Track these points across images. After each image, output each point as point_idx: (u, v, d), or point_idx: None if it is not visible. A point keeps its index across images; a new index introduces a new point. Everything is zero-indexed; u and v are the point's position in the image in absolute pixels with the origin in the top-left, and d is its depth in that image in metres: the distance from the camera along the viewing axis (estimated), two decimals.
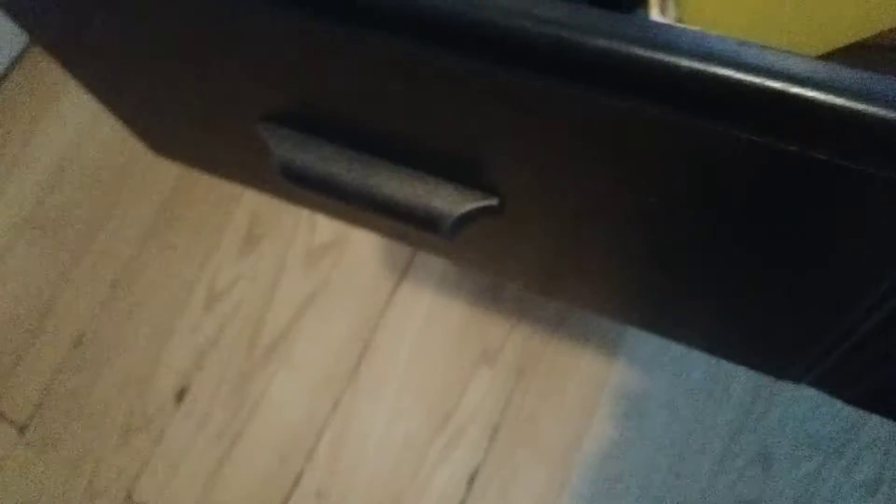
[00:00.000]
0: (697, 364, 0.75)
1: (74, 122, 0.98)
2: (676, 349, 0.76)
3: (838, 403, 0.61)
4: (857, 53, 0.24)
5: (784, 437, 0.71)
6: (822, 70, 0.18)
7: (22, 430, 0.82)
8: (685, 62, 0.18)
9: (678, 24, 0.24)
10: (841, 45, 0.24)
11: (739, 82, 0.18)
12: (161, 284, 0.87)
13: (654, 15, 0.24)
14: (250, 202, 0.89)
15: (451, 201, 0.27)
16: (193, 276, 0.87)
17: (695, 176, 0.21)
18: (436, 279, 0.83)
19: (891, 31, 0.23)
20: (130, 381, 0.83)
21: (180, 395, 0.82)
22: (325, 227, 0.87)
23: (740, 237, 0.25)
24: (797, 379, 0.32)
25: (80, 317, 0.87)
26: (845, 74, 0.17)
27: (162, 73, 0.31)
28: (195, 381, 0.82)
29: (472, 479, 0.75)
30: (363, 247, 0.86)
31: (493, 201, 0.27)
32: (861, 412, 0.70)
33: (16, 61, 1.04)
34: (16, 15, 0.31)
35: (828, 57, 0.24)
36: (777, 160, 0.20)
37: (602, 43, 0.19)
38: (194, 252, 0.88)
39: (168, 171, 0.93)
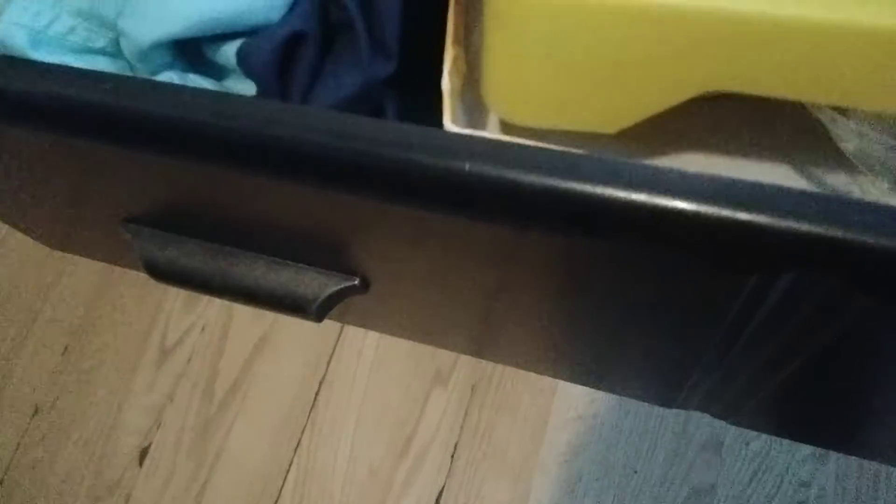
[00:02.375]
0: None
1: None
2: None
3: None
4: (666, 114, 0.25)
5: (729, 427, 0.73)
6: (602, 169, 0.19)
7: None
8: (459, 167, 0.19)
9: (466, 133, 0.25)
10: (640, 119, 0.25)
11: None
12: (112, 346, 0.88)
13: (447, 123, 0.25)
14: None
15: (314, 286, 0.28)
16: (144, 333, 0.87)
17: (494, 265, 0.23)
18: None
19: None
20: (91, 447, 0.83)
21: (142, 455, 0.82)
22: None
23: (594, 306, 0.26)
24: (684, 407, 0.34)
25: (34, 389, 0.87)
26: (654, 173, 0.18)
27: (31, 190, 0.31)
28: (156, 439, 0.82)
29: (438, 501, 0.76)
30: None
31: (354, 281, 0.28)
32: None
33: None
34: None
35: (634, 127, 0.26)
36: (576, 248, 0.21)
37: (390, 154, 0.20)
38: (142, 309, 0.89)
39: None
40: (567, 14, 0.22)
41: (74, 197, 0.31)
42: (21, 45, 0.26)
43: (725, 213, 0.18)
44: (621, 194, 0.19)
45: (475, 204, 0.20)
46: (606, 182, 0.19)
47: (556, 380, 0.78)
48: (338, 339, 0.83)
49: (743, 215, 0.18)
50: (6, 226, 0.96)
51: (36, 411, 0.86)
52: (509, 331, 0.33)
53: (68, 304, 0.90)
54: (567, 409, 0.77)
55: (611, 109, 0.25)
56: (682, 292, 0.22)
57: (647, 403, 0.74)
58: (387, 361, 0.82)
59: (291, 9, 0.28)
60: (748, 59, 0.22)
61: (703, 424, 0.73)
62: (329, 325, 0.84)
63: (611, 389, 0.37)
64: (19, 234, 0.95)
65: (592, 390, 0.76)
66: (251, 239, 0.29)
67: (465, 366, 0.80)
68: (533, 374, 0.78)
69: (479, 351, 0.39)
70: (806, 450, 0.71)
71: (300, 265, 0.29)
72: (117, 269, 0.91)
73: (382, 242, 0.26)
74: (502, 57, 0.24)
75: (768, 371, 0.27)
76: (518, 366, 0.38)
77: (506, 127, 0.26)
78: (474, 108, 0.27)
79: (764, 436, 0.72)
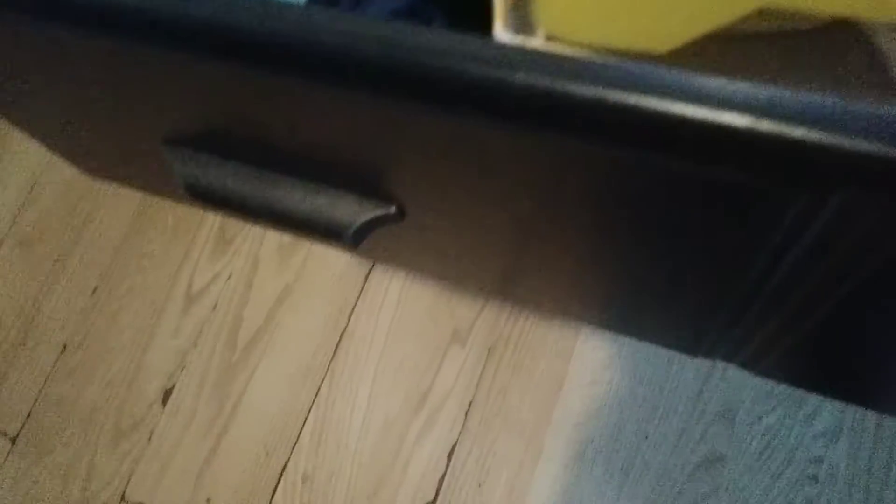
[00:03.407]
0: None
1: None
2: None
3: None
4: (716, 44, 0.25)
5: (745, 393, 0.73)
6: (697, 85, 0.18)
7: (14, 440, 0.85)
8: (535, 81, 0.19)
9: (517, 43, 0.25)
10: (697, 36, 0.25)
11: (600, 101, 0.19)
12: (140, 290, 0.90)
13: (499, 30, 0.25)
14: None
15: (350, 212, 0.29)
16: (171, 279, 0.89)
17: (569, 186, 0.23)
18: None
19: (752, 17, 0.24)
20: (117, 386, 0.86)
21: (166, 396, 0.84)
22: None
23: (631, 236, 0.26)
24: (708, 355, 0.34)
25: (63, 326, 0.89)
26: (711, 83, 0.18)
27: (76, 110, 0.32)
28: (179, 381, 0.85)
29: (450, 455, 0.77)
30: None
31: (391, 209, 0.29)
32: None
33: None
34: None
35: (686, 50, 0.25)
36: (650, 172, 0.21)
37: (458, 66, 0.20)
38: (170, 256, 0.90)
39: None
40: None
41: (118, 116, 0.32)
42: None
43: (777, 126, 0.17)
44: (674, 107, 0.18)
45: (525, 114, 0.20)
46: (657, 92, 0.18)
47: (573, 345, 0.78)
48: (360, 293, 0.84)
49: (796, 130, 0.17)
50: (42, 164, 0.98)
51: (64, 348, 0.88)
52: (538, 268, 0.33)
53: (98, 247, 0.92)
54: (582, 373, 0.77)
55: (663, 25, 0.24)
56: (722, 218, 0.22)
57: (667, 359, 0.75)
58: (406, 317, 0.83)
59: None
60: None
61: (716, 395, 0.74)
62: (352, 279, 0.85)
63: (635, 334, 0.37)
64: (55, 173, 0.97)
65: (608, 356, 0.77)
66: (291, 163, 0.30)
67: (483, 327, 0.81)
68: (550, 339, 0.79)
69: (505, 291, 0.39)
70: (819, 426, 0.72)
71: (338, 191, 0.29)
72: (147, 214, 0.92)
73: (421, 167, 0.26)
74: None
75: (803, 311, 0.26)
76: (543, 307, 0.38)
77: (552, 41, 0.26)
78: (523, 22, 0.27)
79: (778, 410, 0.72)
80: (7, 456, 0.85)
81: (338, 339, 0.83)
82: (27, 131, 0.39)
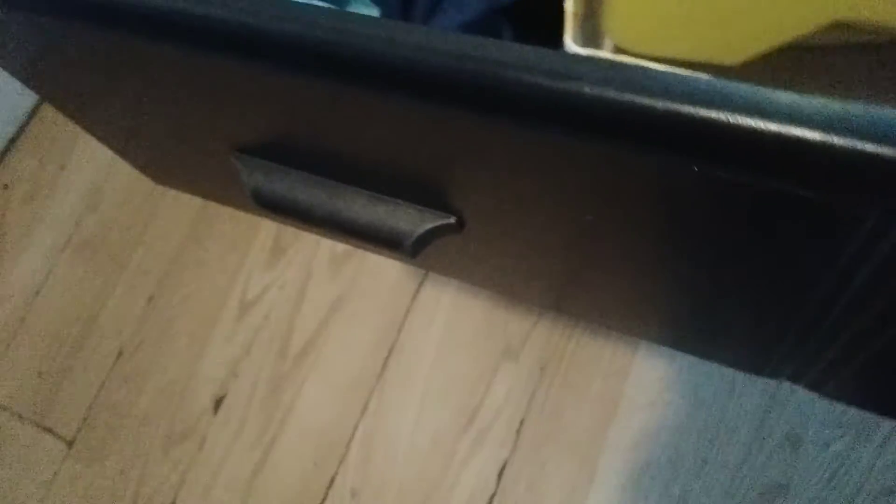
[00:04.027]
0: None
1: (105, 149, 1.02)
2: None
3: None
4: (789, 57, 0.24)
5: (812, 418, 0.70)
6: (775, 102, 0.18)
7: (70, 444, 0.87)
8: (609, 94, 0.19)
9: (599, 55, 0.25)
10: (768, 49, 0.24)
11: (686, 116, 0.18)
12: (195, 297, 0.91)
13: (569, 42, 0.24)
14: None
15: (410, 222, 0.28)
16: (225, 287, 0.90)
17: (641, 202, 0.22)
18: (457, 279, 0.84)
19: (826, 30, 0.23)
20: (170, 393, 0.87)
21: (218, 404, 0.85)
22: None
23: (695, 252, 0.25)
24: (774, 375, 0.32)
25: (119, 332, 0.91)
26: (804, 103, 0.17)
27: (143, 118, 0.33)
28: (231, 389, 0.85)
29: (500, 474, 0.76)
30: None
31: (451, 220, 0.28)
32: None
33: None
34: (14, 75, 0.33)
35: (758, 62, 0.25)
36: (725, 191, 0.20)
37: (531, 79, 0.19)
38: (225, 265, 0.91)
39: None
40: None
41: (188, 125, 0.32)
42: None
43: (847, 142, 0.17)
44: (747, 120, 0.18)
45: (594, 126, 0.19)
46: (730, 107, 0.18)
47: (629, 364, 0.76)
48: (410, 306, 0.84)
49: (867, 146, 0.17)
50: (105, 170, 1.00)
51: (120, 354, 0.90)
52: (597, 282, 0.32)
53: (156, 254, 0.94)
54: (639, 393, 0.75)
55: (734, 38, 0.24)
56: (791, 235, 0.21)
57: (730, 380, 0.72)
58: (458, 331, 0.82)
59: None
60: None
61: (782, 420, 0.71)
62: (403, 292, 0.84)
63: (696, 352, 0.36)
64: (117, 179, 0.99)
65: (667, 376, 0.74)
66: (354, 173, 0.29)
67: (536, 343, 0.79)
68: (605, 357, 0.77)
69: (560, 304, 0.38)
70: (891, 454, 0.68)
71: (399, 201, 0.29)
72: (204, 222, 0.94)
73: (485, 179, 0.26)
74: None
75: (873, 331, 0.25)
76: (599, 323, 0.37)
77: (620, 54, 0.26)
78: (592, 35, 0.27)
79: (847, 436, 0.69)
80: (64, 459, 0.86)
81: (388, 351, 0.83)
82: (96, 135, 0.39)
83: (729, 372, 0.73)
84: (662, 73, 0.19)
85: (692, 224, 0.23)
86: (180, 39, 0.23)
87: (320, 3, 0.29)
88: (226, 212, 0.93)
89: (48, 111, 1.07)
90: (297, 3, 0.22)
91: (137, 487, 0.83)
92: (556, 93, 0.19)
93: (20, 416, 0.90)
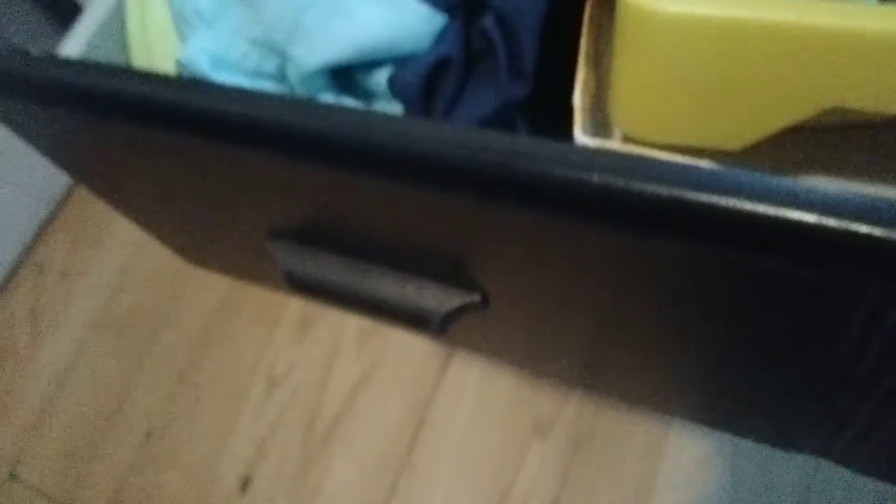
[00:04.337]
0: None
1: (137, 227, 1.05)
2: None
3: None
4: (787, 137, 0.25)
5: (858, 497, 0.67)
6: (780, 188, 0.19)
7: None
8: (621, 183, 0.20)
9: (596, 146, 0.26)
10: (767, 135, 0.25)
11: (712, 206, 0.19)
12: (223, 376, 0.91)
13: (578, 134, 0.25)
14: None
15: (437, 300, 0.29)
16: (253, 364, 0.90)
17: (661, 286, 0.23)
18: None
19: (825, 113, 0.24)
20: (197, 474, 0.86)
21: (244, 485, 0.84)
22: None
23: (710, 328, 0.26)
24: (801, 450, 0.32)
25: (148, 413, 0.91)
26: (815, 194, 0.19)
27: (181, 204, 0.34)
28: (258, 469, 0.84)
29: None
30: None
31: (475, 297, 0.29)
32: None
33: None
34: (51, 160, 0.35)
35: (757, 144, 0.26)
36: (749, 272, 0.21)
37: (546, 170, 0.21)
38: (253, 341, 0.92)
39: None
40: (693, 33, 0.24)
41: (224, 212, 0.33)
42: (203, 67, 0.29)
43: (850, 226, 0.18)
44: (751, 206, 0.19)
45: (605, 213, 0.20)
46: (737, 194, 0.19)
47: (664, 442, 0.74)
48: (438, 381, 0.83)
49: (859, 226, 0.18)
50: (136, 250, 1.03)
51: (148, 435, 0.90)
52: (620, 359, 0.32)
53: (185, 332, 0.95)
54: (675, 472, 0.73)
55: (735, 125, 0.25)
56: (799, 313, 0.22)
57: (768, 456, 0.70)
58: (486, 408, 0.81)
59: (439, 37, 0.30)
60: (872, 75, 0.23)
61: (823, 498, 0.68)
62: (430, 367, 0.84)
63: (725, 427, 0.35)
64: (147, 259, 1.02)
65: (703, 454, 0.72)
66: (382, 254, 0.30)
67: (567, 419, 0.77)
68: (639, 433, 0.75)
69: (587, 381, 0.38)
70: None
71: (426, 280, 0.30)
72: (232, 300, 0.95)
73: (506, 259, 0.26)
74: (630, 75, 0.25)
75: (891, 405, 0.25)
76: (628, 400, 0.37)
77: (629, 142, 0.27)
78: (600, 124, 0.28)
79: None
80: None
81: (416, 427, 0.82)
82: (130, 217, 0.41)
83: (765, 449, 0.71)
84: (666, 162, 0.20)
85: (701, 303, 0.24)
86: (219, 138, 0.25)
87: (350, 102, 0.31)
88: (254, 287, 0.95)
89: (81, 194, 1.11)
90: (329, 103, 0.23)
91: None
92: (568, 182, 0.20)
93: (49, 497, 0.90)
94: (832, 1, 0.23)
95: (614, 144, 0.28)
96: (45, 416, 0.95)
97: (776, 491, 0.69)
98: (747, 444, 0.72)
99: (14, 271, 1.07)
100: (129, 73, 0.28)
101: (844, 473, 0.68)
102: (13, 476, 0.92)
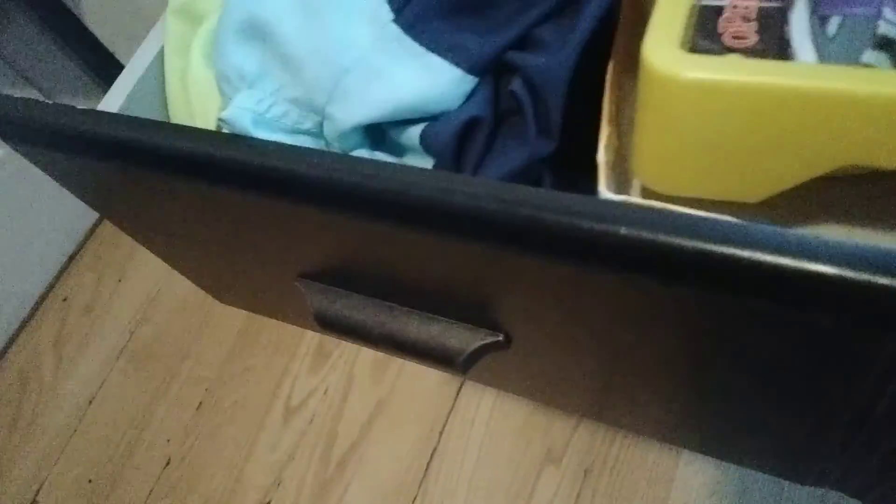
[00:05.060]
0: None
1: (159, 260, 1.08)
2: None
3: None
4: (808, 188, 0.27)
5: None
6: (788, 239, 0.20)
7: None
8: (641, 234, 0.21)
9: (620, 200, 0.27)
10: (784, 189, 0.26)
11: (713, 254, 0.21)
12: (242, 403, 0.93)
13: (602, 188, 0.27)
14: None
15: (461, 340, 0.31)
16: (271, 393, 0.92)
17: (677, 330, 0.24)
18: None
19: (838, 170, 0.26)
20: (217, 501, 0.88)
21: None
22: None
23: (730, 370, 0.27)
24: (818, 484, 0.33)
25: (169, 439, 0.93)
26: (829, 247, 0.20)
27: (211, 245, 0.36)
28: (275, 497, 0.86)
29: None
30: None
31: (499, 337, 0.31)
32: None
33: None
34: (82, 199, 0.38)
35: (779, 197, 0.27)
36: (755, 315, 0.22)
37: (566, 221, 0.22)
38: (271, 370, 0.94)
39: None
40: (712, 98, 0.25)
41: (254, 255, 0.35)
42: (245, 125, 0.31)
43: (867, 277, 0.19)
44: (771, 259, 0.20)
45: (631, 264, 0.22)
46: (758, 247, 0.20)
47: (674, 468, 0.76)
48: (451, 410, 0.85)
49: (884, 280, 0.19)
50: (160, 282, 1.05)
51: (168, 462, 0.92)
52: (637, 394, 0.34)
53: (206, 362, 0.97)
54: (685, 499, 0.74)
55: (753, 181, 0.26)
56: (817, 358, 0.23)
57: (776, 485, 0.71)
58: (498, 436, 0.82)
59: (469, 97, 0.32)
60: (890, 136, 0.23)
61: None
62: (443, 396, 0.86)
63: (738, 461, 0.37)
64: (171, 290, 1.04)
65: (713, 481, 0.74)
66: (409, 296, 0.32)
67: (578, 447, 0.79)
68: (650, 461, 0.76)
69: (601, 414, 0.40)
70: None
71: (451, 321, 0.31)
72: (251, 330, 0.97)
73: (531, 303, 0.28)
74: (652, 134, 0.27)
75: None
76: (641, 432, 0.38)
77: (648, 194, 0.29)
78: (622, 179, 0.30)
79: None
80: None
81: (429, 457, 0.83)
82: (157, 254, 0.43)
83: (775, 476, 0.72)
84: (691, 216, 0.21)
85: (720, 348, 0.25)
86: (262, 190, 0.27)
87: (384, 157, 0.33)
88: (272, 320, 0.97)
89: (106, 230, 1.14)
90: (367, 158, 0.25)
91: None
92: (597, 234, 0.22)
93: None
94: (845, 66, 0.24)
95: (635, 198, 0.29)
96: (67, 444, 0.97)
97: None
98: (758, 473, 0.73)
99: (40, 304, 1.10)
100: (177, 128, 0.30)
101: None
102: (35, 503, 0.94)
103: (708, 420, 0.33)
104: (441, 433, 0.84)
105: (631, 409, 0.36)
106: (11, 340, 1.08)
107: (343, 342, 0.92)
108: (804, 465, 0.32)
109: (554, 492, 0.78)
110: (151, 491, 0.90)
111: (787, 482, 0.72)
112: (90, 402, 1.00)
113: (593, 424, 0.80)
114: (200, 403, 0.94)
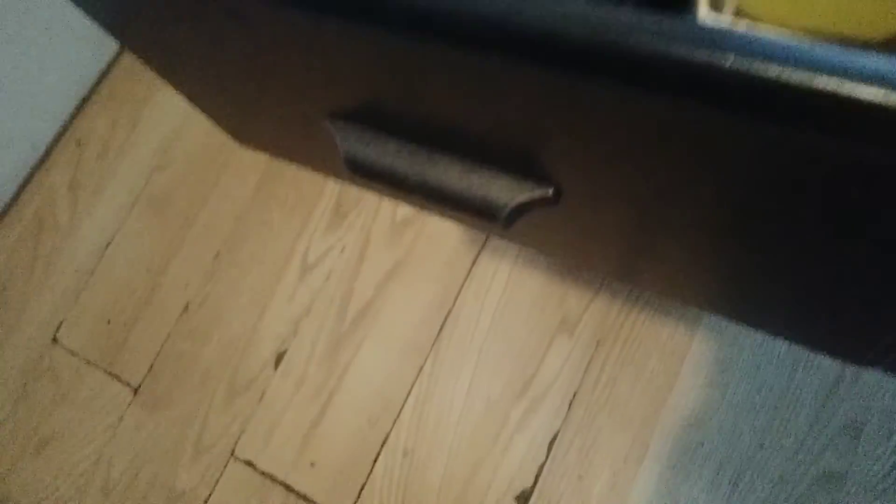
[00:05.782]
0: None
1: (177, 105, 1.04)
2: None
3: None
4: None
5: (875, 408, 0.69)
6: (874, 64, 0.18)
7: (136, 391, 0.91)
8: (727, 61, 0.18)
9: (723, 24, 0.24)
10: None
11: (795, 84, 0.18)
12: (259, 257, 0.93)
13: (703, 12, 0.24)
14: (338, 180, 0.93)
15: (506, 192, 0.29)
16: (288, 248, 0.92)
17: (748, 175, 0.22)
18: (515, 249, 0.84)
19: None
20: (233, 346, 0.89)
21: (278, 360, 0.87)
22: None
23: (806, 231, 0.25)
24: (872, 363, 0.32)
25: (186, 287, 0.94)
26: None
27: (238, 76, 0.33)
28: (292, 346, 0.88)
29: (552, 444, 0.77)
30: (444, 219, 0.88)
31: (548, 191, 0.28)
32: None
33: (121, 51, 1.11)
34: (104, 25, 0.34)
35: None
36: (829, 158, 0.20)
37: (648, 44, 0.19)
38: (289, 226, 0.93)
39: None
40: None
41: (283, 87, 0.32)
42: None
43: None
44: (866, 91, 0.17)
45: (733, 98, 0.19)
46: (846, 75, 0.17)
47: (688, 345, 0.76)
48: (468, 274, 0.84)
49: None
50: (177, 128, 1.03)
51: (186, 307, 0.93)
52: (670, 250, 0.32)
53: (222, 213, 0.96)
54: (697, 373, 0.75)
55: (873, 9, 0.23)
56: (882, 205, 0.21)
57: (790, 364, 0.71)
58: (514, 302, 0.82)
59: None
60: None
61: (843, 406, 0.70)
62: (461, 260, 0.85)
63: (797, 340, 0.35)
64: (188, 138, 1.02)
65: (726, 358, 0.74)
66: (450, 141, 0.29)
67: (593, 317, 0.79)
68: (663, 336, 0.77)
69: (634, 274, 0.38)
70: None
71: (496, 171, 0.29)
72: (269, 185, 0.96)
73: (591, 151, 0.25)
74: None
75: None
76: (663, 291, 0.37)
77: (742, 17, 0.25)
78: (720, 4, 0.26)
79: None
80: (129, 405, 0.90)
81: (444, 318, 0.84)
82: (178, 89, 0.40)
83: (790, 355, 0.72)
84: (790, 41, 0.18)
85: (792, 200, 0.23)
86: (288, 5, 0.24)
87: None
88: (290, 173, 0.95)
89: (120, 70, 1.10)
90: None
91: (198, 436, 0.86)
92: (697, 65, 0.19)
93: (88, 362, 0.94)
94: None
95: (742, 24, 0.25)
96: (85, 286, 0.99)
97: (796, 398, 0.71)
98: (771, 351, 0.73)
99: (53, 146, 1.08)
100: None
101: (866, 385, 0.70)
102: (55, 340, 0.96)
103: (765, 290, 0.31)
104: (457, 297, 0.84)
105: (658, 263, 0.34)
106: (26, 181, 1.07)
107: (362, 201, 0.91)
108: (857, 347, 0.30)
109: (565, 359, 0.79)
110: (169, 334, 0.92)
111: (801, 363, 0.72)
112: (107, 245, 1.00)
113: (609, 298, 0.79)
114: (218, 253, 0.94)
